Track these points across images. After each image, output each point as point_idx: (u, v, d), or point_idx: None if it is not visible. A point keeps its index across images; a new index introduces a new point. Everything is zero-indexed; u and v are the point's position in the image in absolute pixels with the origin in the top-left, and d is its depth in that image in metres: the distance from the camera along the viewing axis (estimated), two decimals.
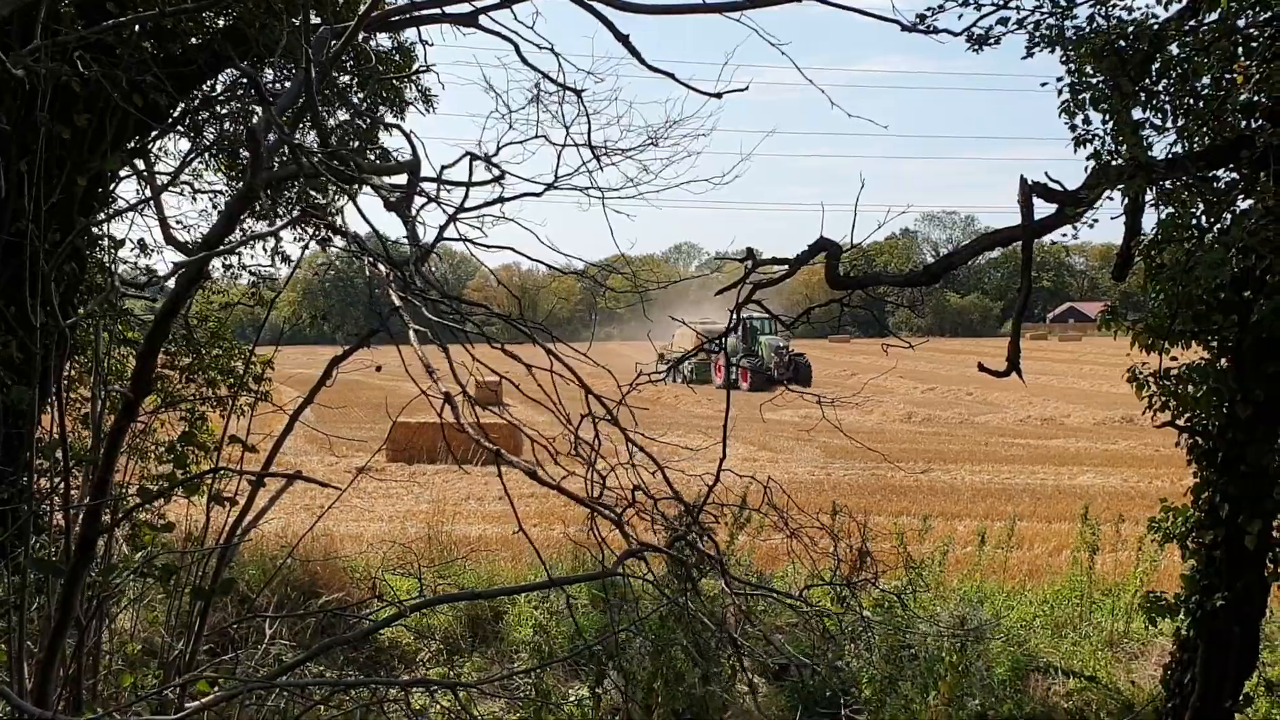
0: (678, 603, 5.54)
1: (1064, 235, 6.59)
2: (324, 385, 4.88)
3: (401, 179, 4.77)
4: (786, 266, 6.73)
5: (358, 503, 19.75)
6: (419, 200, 4.40)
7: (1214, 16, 6.45)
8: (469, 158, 4.29)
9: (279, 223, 9.16)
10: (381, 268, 2.82)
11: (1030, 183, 6.30)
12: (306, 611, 9.51)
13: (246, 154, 8.31)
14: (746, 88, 6.84)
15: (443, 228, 4.18)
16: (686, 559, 6.00)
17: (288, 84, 8.14)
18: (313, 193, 9.59)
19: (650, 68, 6.93)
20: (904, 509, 19.00)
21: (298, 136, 5.97)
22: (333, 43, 4.27)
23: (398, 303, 2.68)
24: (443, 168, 4.08)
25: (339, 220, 4.42)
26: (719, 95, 6.85)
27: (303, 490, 17.40)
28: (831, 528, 9.10)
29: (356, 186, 3.83)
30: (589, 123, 6.61)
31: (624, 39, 6.68)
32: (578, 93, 6.65)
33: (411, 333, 2.60)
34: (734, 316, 5.91)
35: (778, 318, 8.70)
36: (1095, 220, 6.52)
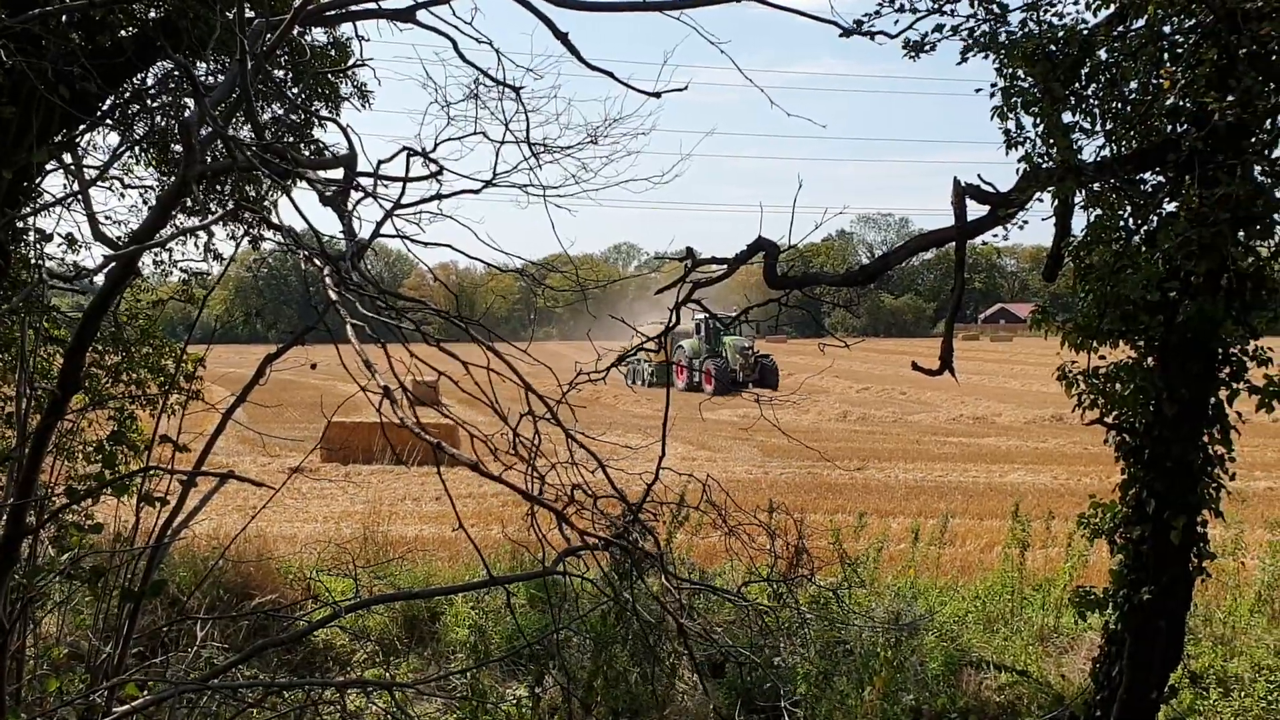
0: (618, 600, 5.54)
1: (995, 236, 6.71)
2: (257, 383, 4.81)
3: (338, 174, 4.72)
4: (725, 266, 6.76)
5: (292, 503, 19.52)
6: (356, 195, 4.36)
7: (1141, 23, 6.60)
8: (406, 153, 4.25)
9: (211, 217, 9.00)
10: (317, 262, 2.78)
11: (964, 184, 6.41)
12: (239, 613, 9.37)
13: (179, 148, 8.15)
14: (686, 87, 6.87)
15: (380, 223, 4.14)
16: (627, 556, 6.00)
17: (221, 77, 8.01)
18: (247, 188, 9.44)
19: (590, 66, 6.93)
20: (840, 507, 19.21)
21: (231, 130, 5.88)
22: (268, 36, 4.21)
23: (334, 298, 2.65)
24: (380, 162, 4.04)
25: (274, 215, 4.36)
26: (658, 95, 6.87)
27: (235, 491, 17.15)
28: (769, 525, 9.15)
29: (291, 181, 3.78)
30: (528, 120, 6.60)
31: (563, 37, 6.67)
32: (516, 90, 6.63)
33: (349, 328, 2.56)
34: (673, 316, 5.92)
35: (715, 316, 8.75)
36: (1026, 222, 6.65)
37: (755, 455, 26.34)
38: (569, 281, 7.75)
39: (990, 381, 52.72)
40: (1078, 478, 22.70)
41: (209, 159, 3.65)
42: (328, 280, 2.64)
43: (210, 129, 3.13)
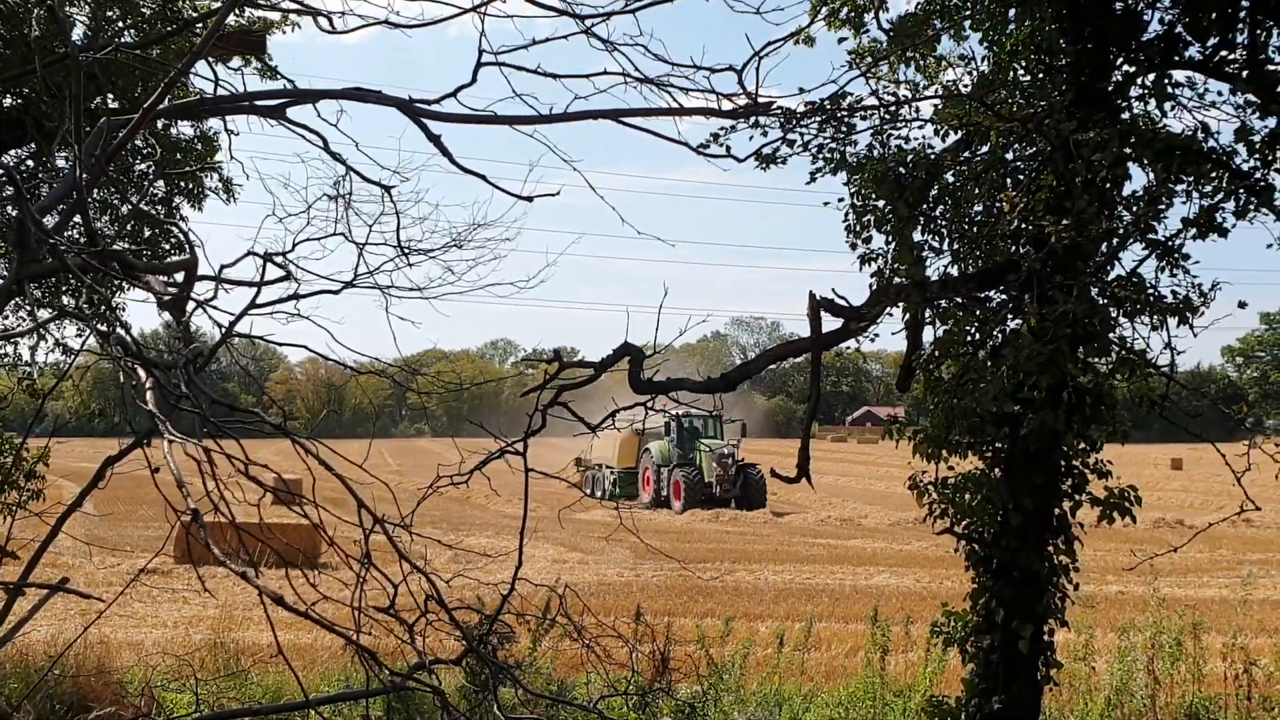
0: (466, 717, 5.37)
1: (847, 349, 6.90)
2: (96, 486, 4.60)
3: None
4: (592, 370, 6.81)
5: (140, 607, 18.61)
6: (207, 296, 4.25)
7: (985, 149, 6.97)
8: (254, 257, 4.18)
9: (32, 323, 8.72)
10: (140, 373, 2.68)
11: (819, 298, 6.60)
12: None
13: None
14: (558, 193, 6.91)
15: (229, 329, 4.03)
16: (482, 669, 5.84)
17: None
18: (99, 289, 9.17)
19: (462, 169, 6.95)
20: (709, 610, 19.13)
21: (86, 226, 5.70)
22: (118, 133, 4.12)
23: (154, 410, 2.55)
24: (222, 267, 3.96)
25: (113, 319, 4.21)
26: (530, 199, 6.91)
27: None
28: (634, 634, 9.03)
29: (116, 290, 3.66)
30: (399, 220, 6.58)
31: (435, 139, 6.70)
32: (386, 188, 6.61)
33: (166, 444, 2.47)
34: (531, 420, 5.85)
35: (582, 420, 8.74)
36: (877, 334, 6.88)
37: (628, 557, 26.15)
38: (434, 382, 7.64)
39: (857, 483, 53.74)
40: (940, 580, 23.11)
41: (48, 258, 3.51)
42: (150, 393, 2.55)
43: (35, 231, 3.02)
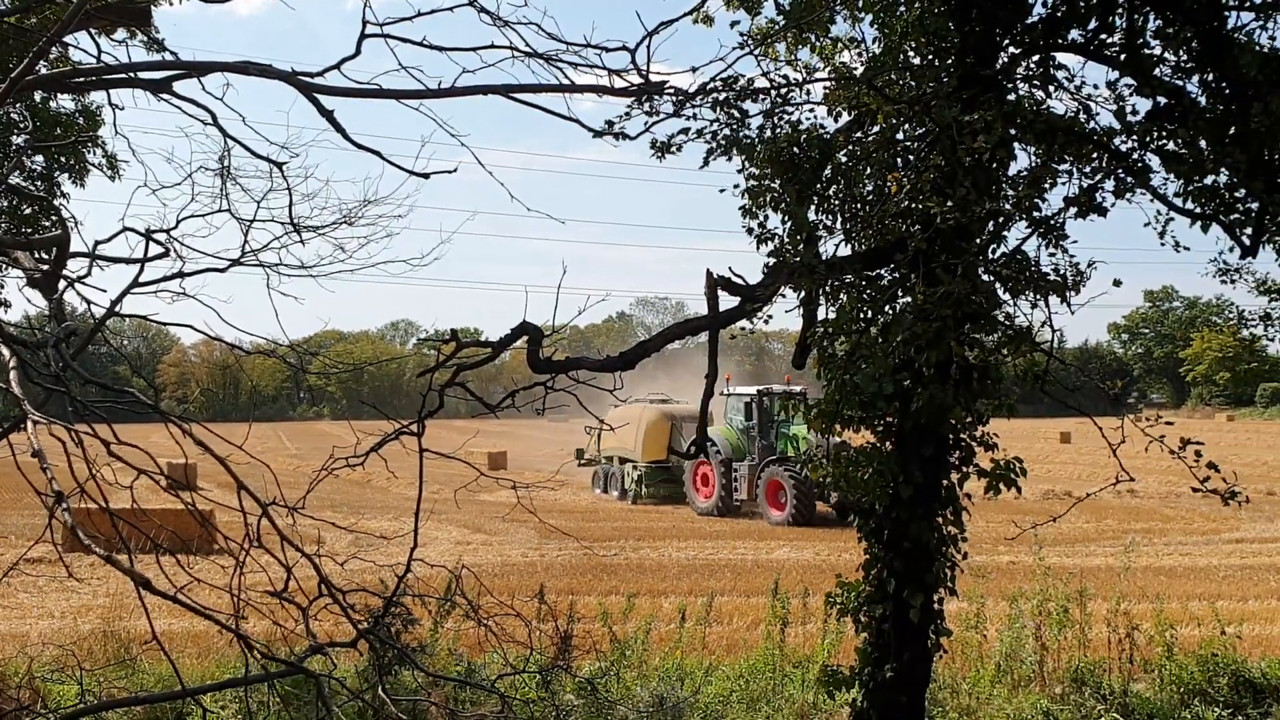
0: (364, 700, 5.33)
1: (744, 330, 6.98)
2: None
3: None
4: (490, 350, 6.77)
5: (26, 598, 18.02)
6: (82, 274, 4.11)
7: (876, 129, 7.08)
8: (131, 232, 4.05)
9: None
10: (4, 351, 2.58)
11: (716, 276, 6.65)
12: None
13: None
14: (455, 170, 6.85)
15: (107, 313, 3.90)
16: (382, 651, 5.80)
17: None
18: None
19: (356, 144, 6.83)
20: (614, 588, 19.22)
21: None
22: None
23: (18, 391, 2.46)
24: (97, 243, 3.83)
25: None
26: (425, 175, 6.82)
27: None
28: (537, 613, 9.01)
29: None
30: (291, 196, 6.45)
31: (328, 114, 6.57)
32: (277, 164, 6.46)
33: (30, 425, 2.39)
34: (425, 400, 5.79)
35: (481, 399, 8.68)
36: (771, 316, 6.96)
37: (532, 537, 26.10)
38: (328, 363, 7.51)
39: None
40: (838, 553, 23.55)
41: None
42: (12, 375, 2.45)
43: None
